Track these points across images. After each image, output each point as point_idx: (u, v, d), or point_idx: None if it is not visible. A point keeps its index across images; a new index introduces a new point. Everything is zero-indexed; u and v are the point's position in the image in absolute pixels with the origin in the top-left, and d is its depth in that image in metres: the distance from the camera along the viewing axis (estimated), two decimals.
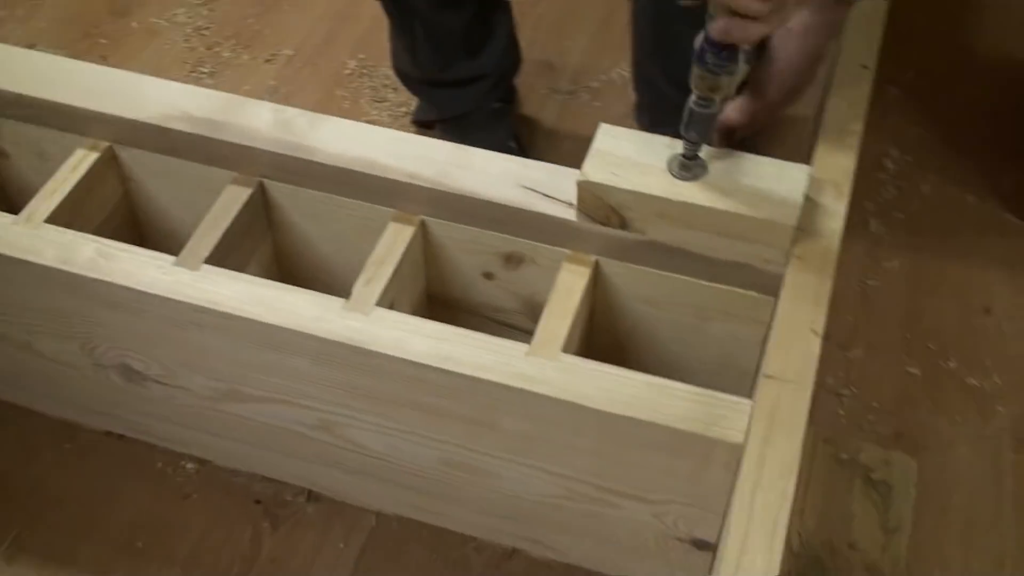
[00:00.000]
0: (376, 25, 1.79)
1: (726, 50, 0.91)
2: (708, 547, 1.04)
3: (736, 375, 1.13)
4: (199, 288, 1.02)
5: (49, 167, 1.20)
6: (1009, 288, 1.47)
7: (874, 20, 1.21)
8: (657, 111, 1.57)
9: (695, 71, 0.93)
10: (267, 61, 1.76)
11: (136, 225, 1.24)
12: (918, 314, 1.44)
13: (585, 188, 1.00)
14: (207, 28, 1.82)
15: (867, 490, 1.22)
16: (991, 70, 1.77)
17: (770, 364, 0.89)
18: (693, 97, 0.95)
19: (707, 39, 0.91)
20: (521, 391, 0.95)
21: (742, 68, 0.93)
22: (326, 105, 1.68)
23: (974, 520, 1.23)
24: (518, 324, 1.17)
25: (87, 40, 1.79)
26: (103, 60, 1.74)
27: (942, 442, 1.31)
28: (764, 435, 0.85)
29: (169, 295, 1.01)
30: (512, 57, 1.58)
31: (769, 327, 1.06)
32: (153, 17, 1.83)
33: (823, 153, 1.07)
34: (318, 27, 1.82)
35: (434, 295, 1.18)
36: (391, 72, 1.62)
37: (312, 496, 1.23)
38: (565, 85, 1.74)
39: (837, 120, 1.10)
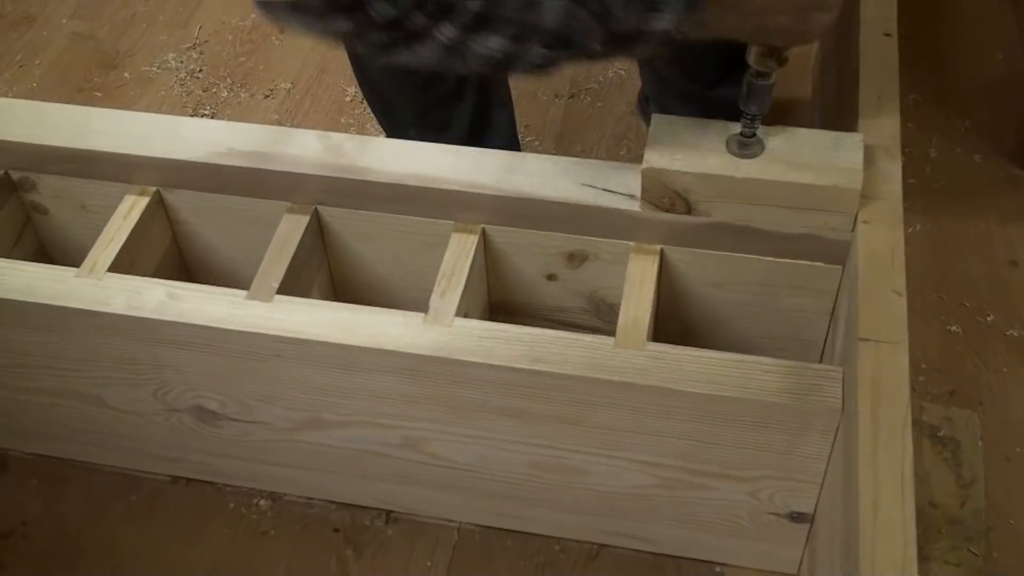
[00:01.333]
0: None
1: None
2: (804, 519, 1.06)
3: (802, 346, 1.15)
4: (277, 319, 1.02)
5: (92, 219, 1.20)
6: None
7: None
8: (666, 101, 1.59)
9: (753, 50, 0.94)
10: (266, 97, 1.76)
11: (185, 267, 1.24)
12: (948, 274, 1.47)
13: (650, 176, 1.01)
14: (200, 71, 1.81)
15: (937, 448, 1.24)
16: (974, 30, 1.81)
17: (863, 328, 0.91)
18: (751, 71, 0.96)
19: None
20: (616, 383, 0.96)
21: None
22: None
23: None
24: (582, 323, 1.18)
25: (81, 95, 1.77)
26: None
27: (995, 394, 1.33)
28: (872, 397, 0.86)
29: (248, 329, 1.01)
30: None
31: (837, 296, 1.08)
32: (144, 66, 1.82)
33: (867, 119, 1.09)
34: (311, 59, 1.83)
35: (495, 303, 1.19)
36: None
37: (391, 518, 1.23)
38: (565, 90, 1.75)
39: (873, 87, 1.13)
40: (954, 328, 1.40)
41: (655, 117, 1.04)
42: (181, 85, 1.78)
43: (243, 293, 1.04)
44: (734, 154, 1.01)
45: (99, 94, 1.78)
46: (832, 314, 1.10)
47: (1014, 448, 1.27)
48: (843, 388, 0.94)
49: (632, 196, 1.05)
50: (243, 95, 1.76)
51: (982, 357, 1.37)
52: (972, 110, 1.69)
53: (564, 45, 0.83)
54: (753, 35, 0.92)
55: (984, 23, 1.83)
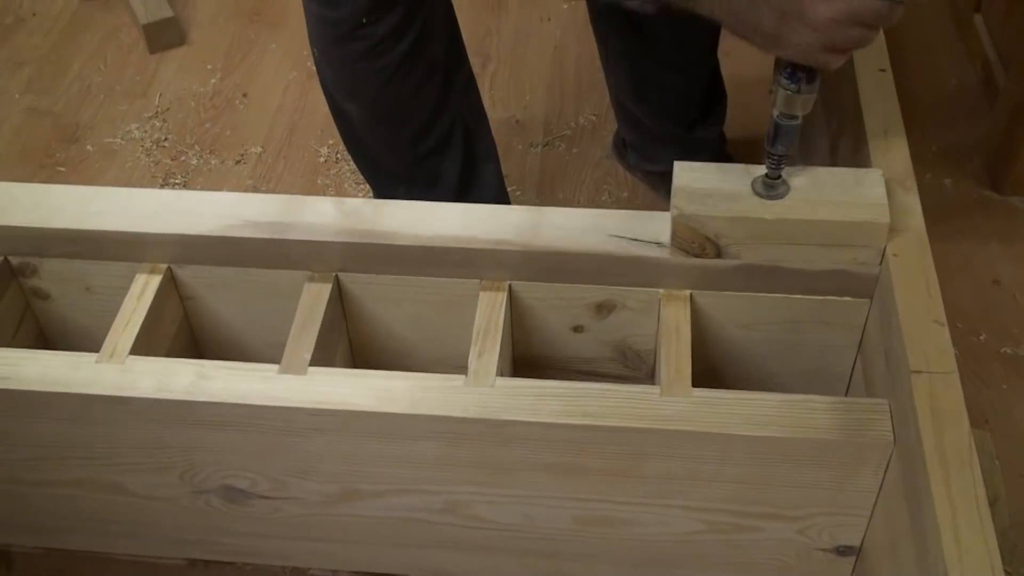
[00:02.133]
0: None
1: (809, 72, 0.94)
2: (851, 552, 1.06)
3: (828, 380, 1.16)
4: (314, 391, 0.99)
5: (97, 301, 1.16)
6: (1010, 258, 1.55)
7: None
8: (646, 145, 1.61)
9: (780, 92, 0.96)
10: (237, 162, 1.73)
11: (195, 343, 1.21)
12: None
13: (680, 222, 1.01)
14: (166, 139, 1.78)
15: None
16: (927, 60, 1.86)
17: (913, 361, 0.92)
18: (776, 113, 0.98)
19: (791, 66, 0.94)
20: (669, 432, 0.96)
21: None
22: (311, 195, 1.65)
23: None
24: (609, 372, 1.18)
25: (44, 171, 1.73)
26: None
27: (998, 412, 1.36)
28: (935, 428, 0.87)
29: (287, 404, 0.98)
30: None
31: (864, 329, 1.09)
32: (107, 137, 1.78)
33: (878, 154, 1.11)
34: (279, 121, 1.81)
35: (519, 357, 1.18)
36: None
37: None
38: (539, 138, 1.76)
39: (879, 122, 1.15)
40: None
41: (677, 165, 1.05)
42: (148, 155, 1.75)
43: (275, 368, 1.02)
44: (760, 196, 1.02)
45: (63, 169, 1.73)
46: (859, 347, 1.11)
47: None
48: (892, 420, 0.95)
49: (660, 244, 1.05)
50: (213, 161, 1.73)
51: (981, 376, 1.40)
52: (936, 136, 1.74)
53: None
54: (735, 24, 0.93)
55: (934, 52, 1.88)
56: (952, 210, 1.63)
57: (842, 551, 1.06)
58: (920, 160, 1.68)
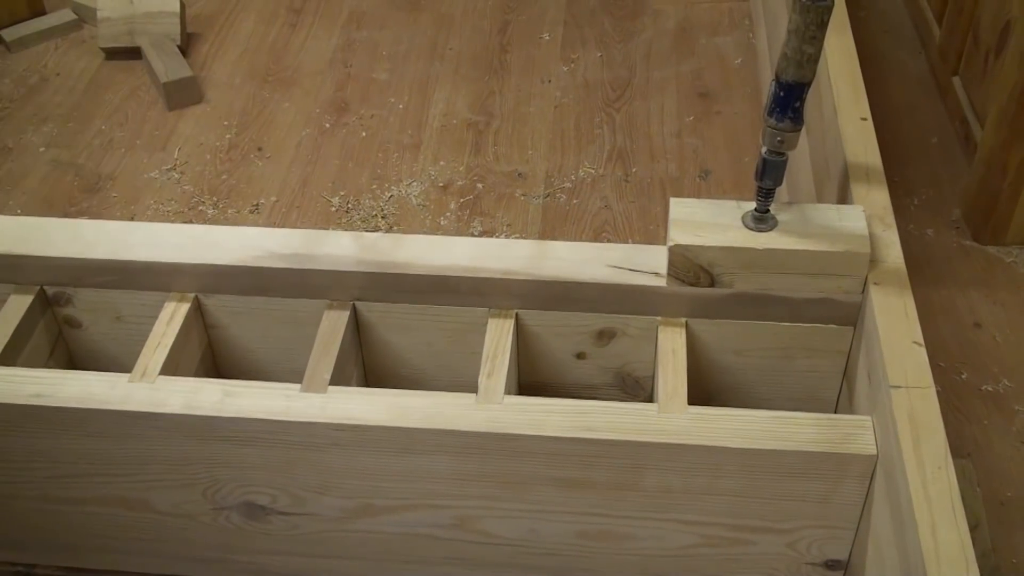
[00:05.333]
0: (345, 163, 1.88)
1: (794, 110, 1.03)
2: (839, 566, 1.12)
3: (816, 406, 1.22)
4: (334, 408, 1.06)
5: (126, 329, 1.23)
6: (990, 302, 1.63)
7: (851, 69, 1.37)
8: None
9: (768, 132, 1.04)
10: (252, 212, 1.82)
11: (217, 371, 1.27)
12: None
13: (676, 252, 1.09)
14: (184, 189, 1.86)
15: None
16: (909, 119, 1.96)
17: (892, 376, 0.99)
18: (765, 150, 1.06)
19: (777, 108, 1.03)
20: (666, 445, 1.02)
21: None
22: None
23: None
24: (609, 398, 1.25)
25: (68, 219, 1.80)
26: None
27: (979, 445, 1.43)
28: (913, 437, 0.94)
29: (308, 419, 1.05)
30: None
31: (849, 355, 1.16)
32: (127, 188, 1.87)
33: (859, 193, 1.20)
34: (291, 174, 1.89)
35: (524, 383, 1.25)
36: (375, 203, 1.74)
37: None
38: (540, 190, 1.85)
39: (860, 165, 1.24)
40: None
41: (673, 200, 1.13)
42: (166, 205, 1.83)
43: (297, 386, 1.09)
44: (750, 229, 1.10)
45: (86, 218, 1.81)
46: (844, 373, 1.18)
47: (1006, 492, 1.36)
48: (875, 435, 1.02)
49: (657, 274, 1.13)
50: (230, 211, 1.82)
51: (963, 412, 1.47)
52: (918, 190, 1.83)
53: None
54: None
55: (917, 112, 1.98)
56: (934, 258, 1.71)
57: (830, 565, 1.12)
58: (904, 212, 1.78)
